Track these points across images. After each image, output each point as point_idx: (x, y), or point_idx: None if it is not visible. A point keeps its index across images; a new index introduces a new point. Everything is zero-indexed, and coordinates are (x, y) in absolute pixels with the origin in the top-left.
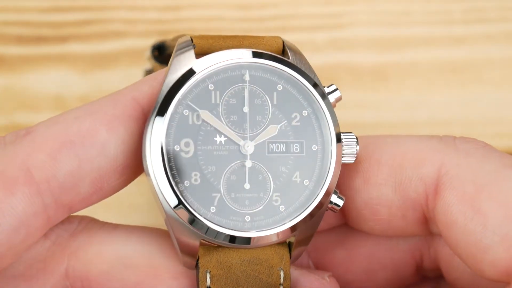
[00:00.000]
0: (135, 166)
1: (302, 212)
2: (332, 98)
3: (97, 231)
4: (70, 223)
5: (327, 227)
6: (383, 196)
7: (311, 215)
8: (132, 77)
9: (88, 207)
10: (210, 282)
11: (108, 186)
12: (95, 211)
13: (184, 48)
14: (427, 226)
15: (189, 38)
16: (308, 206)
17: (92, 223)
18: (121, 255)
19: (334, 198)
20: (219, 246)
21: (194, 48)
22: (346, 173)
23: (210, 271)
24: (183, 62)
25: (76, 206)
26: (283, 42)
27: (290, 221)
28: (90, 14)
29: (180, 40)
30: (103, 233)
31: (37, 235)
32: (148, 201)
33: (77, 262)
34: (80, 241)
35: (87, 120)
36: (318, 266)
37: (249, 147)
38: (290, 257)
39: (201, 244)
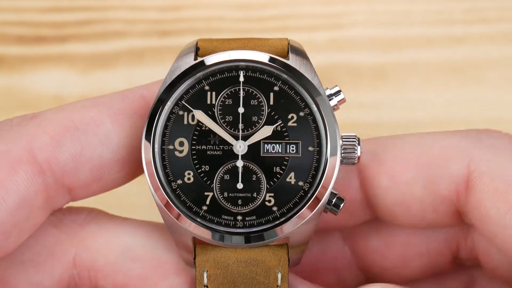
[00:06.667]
0: (138, 162)
1: (295, 214)
2: (334, 100)
3: (106, 222)
4: (79, 213)
5: (355, 222)
6: (413, 194)
7: (304, 217)
8: (132, 77)
9: (86, 205)
10: (207, 281)
11: (108, 177)
12: None
13: (187, 51)
14: (460, 218)
15: (195, 42)
16: (301, 208)
17: (101, 214)
18: (128, 247)
19: (331, 201)
20: (217, 246)
21: (198, 50)
22: (370, 173)
23: (207, 271)
24: (182, 64)
25: (76, 192)
26: (288, 43)
27: (283, 222)
28: (90, 14)
29: (186, 45)
30: (112, 224)
31: (39, 215)
32: (148, 200)
33: (84, 251)
34: (89, 231)
35: (93, 109)
36: (355, 253)
37: (241, 147)
38: (289, 260)
39: (196, 241)
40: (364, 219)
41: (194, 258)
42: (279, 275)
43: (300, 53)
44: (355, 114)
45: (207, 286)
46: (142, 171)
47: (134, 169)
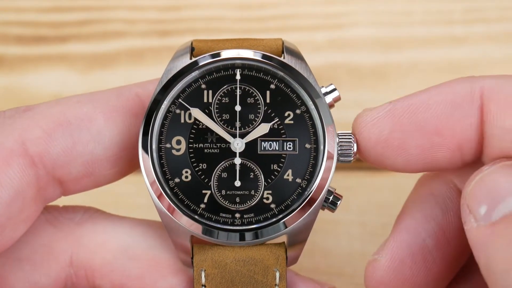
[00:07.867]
0: (130, 160)
1: (293, 211)
2: (329, 97)
3: (102, 221)
4: (76, 212)
5: (463, 164)
6: None
7: (301, 214)
8: (132, 77)
9: (84, 204)
10: (205, 281)
11: (99, 173)
12: None
13: (182, 51)
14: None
15: (190, 42)
16: (299, 205)
17: (98, 213)
18: (125, 246)
19: (328, 198)
20: (214, 245)
21: (193, 50)
22: (493, 110)
23: (205, 270)
24: (178, 64)
25: (68, 185)
26: (282, 43)
27: (281, 219)
28: (90, 14)
29: (181, 45)
30: (109, 223)
31: (32, 207)
32: (147, 201)
33: (81, 250)
34: (85, 230)
35: (87, 105)
36: None
37: (238, 145)
38: (287, 258)
39: (194, 241)
40: (471, 161)
41: (192, 258)
42: (277, 274)
43: (295, 53)
44: (355, 114)
45: (205, 286)
46: (134, 169)
47: (125, 167)
